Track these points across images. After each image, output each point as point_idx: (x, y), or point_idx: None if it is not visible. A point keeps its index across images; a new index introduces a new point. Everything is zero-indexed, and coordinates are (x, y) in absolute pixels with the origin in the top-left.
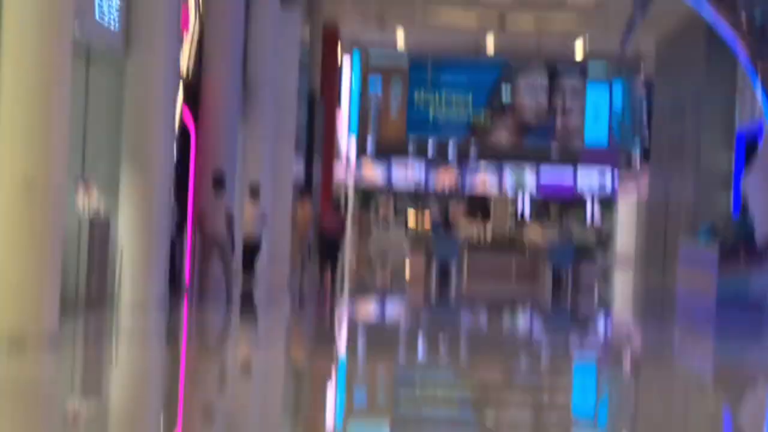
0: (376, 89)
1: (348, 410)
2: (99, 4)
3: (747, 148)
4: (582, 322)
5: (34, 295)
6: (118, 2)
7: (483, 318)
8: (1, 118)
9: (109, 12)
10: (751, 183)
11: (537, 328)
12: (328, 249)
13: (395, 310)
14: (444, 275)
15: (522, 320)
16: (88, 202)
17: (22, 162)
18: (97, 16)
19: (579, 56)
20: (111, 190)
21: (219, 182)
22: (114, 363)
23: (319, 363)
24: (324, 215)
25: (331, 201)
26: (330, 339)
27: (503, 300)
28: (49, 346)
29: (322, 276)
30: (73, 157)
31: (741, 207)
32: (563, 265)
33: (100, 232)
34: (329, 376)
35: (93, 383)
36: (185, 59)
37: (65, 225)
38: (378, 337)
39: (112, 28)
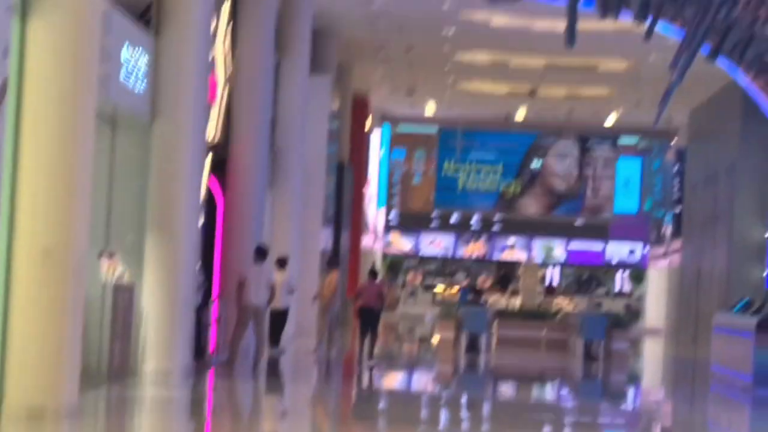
0: (405, 159)
1: None
2: (126, 66)
3: None
4: (615, 394)
5: (53, 367)
6: (146, 64)
7: (513, 390)
8: (22, 186)
9: (136, 74)
10: None
11: (569, 400)
12: (367, 320)
13: (424, 382)
14: (473, 346)
15: (553, 392)
16: (112, 271)
17: (42, 232)
18: (122, 78)
19: (610, 126)
20: (136, 258)
21: (262, 254)
22: None
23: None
24: (364, 286)
25: (371, 271)
26: (358, 411)
27: (534, 371)
28: (68, 419)
29: (361, 347)
30: (97, 224)
31: None
32: (596, 335)
33: (123, 301)
34: None
35: None
36: (213, 126)
37: (86, 295)
38: (406, 410)
39: (137, 91)
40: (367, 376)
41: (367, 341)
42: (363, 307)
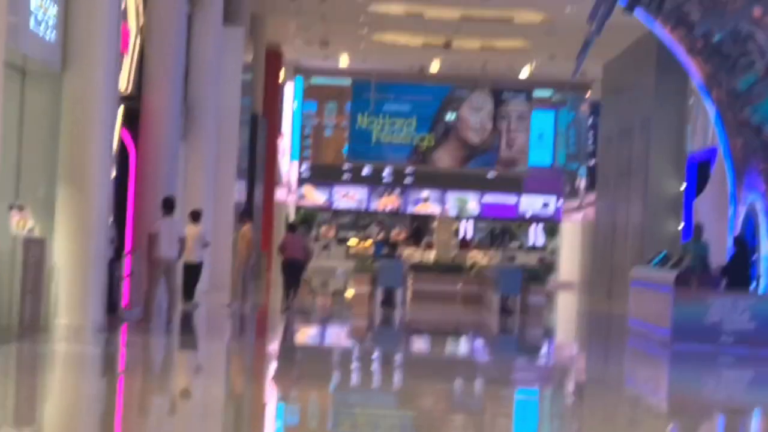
0: (317, 112)
1: None
2: (35, 15)
3: (698, 173)
4: (532, 348)
5: None
6: (56, 13)
7: (428, 344)
8: None
9: (46, 23)
10: (703, 208)
11: (485, 354)
12: (292, 272)
13: (339, 336)
14: (388, 300)
15: (469, 346)
16: (22, 224)
17: None
18: (32, 27)
19: (524, 81)
20: (47, 211)
21: (170, 206)
22: (48, 392)
23: (258, 389)
24: (286, 240)
25: (290, 225)
26: (272, 366)
27: (449, 325)
28: None
29: (286, 298)
30: (6, 176)
31: (694, 233)
32: (511, 290)
33: (34, 255)
34: (269, 402)
35: (24, 414)
36: (125, 77)
37: None
38: (319, 363)
39: (48, 40)
40: (287, 329)
41: (292, 291)
42: (288, 260)
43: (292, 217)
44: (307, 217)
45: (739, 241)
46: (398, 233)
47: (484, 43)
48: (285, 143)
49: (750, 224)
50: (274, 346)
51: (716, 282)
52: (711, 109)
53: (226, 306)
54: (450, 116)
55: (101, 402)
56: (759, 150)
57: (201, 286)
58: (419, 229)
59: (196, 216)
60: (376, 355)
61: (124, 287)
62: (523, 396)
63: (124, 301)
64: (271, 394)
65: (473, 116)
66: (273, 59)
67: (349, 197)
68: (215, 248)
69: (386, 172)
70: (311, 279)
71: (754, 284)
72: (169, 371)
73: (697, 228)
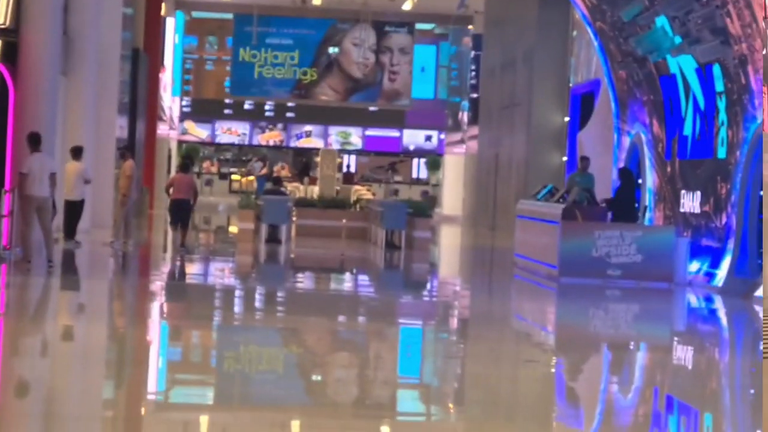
0: (198, 46)
1: (171, 373)
2: None
3: (581, 106)
4: (418, 283)
5: None
6: None
7: (313, 280)
8: None
9: None
10: (587, 141)
11: (369, 288)
12: (179, 211)
13: (223, 273)
14: (273, 236)
15: (353, 281)
16: None
17: None
18: None
19: (407, 14)
20: None
21: (36, 141)
22: None
23: (141, 328)
24: (176, 178)
25: (182, 166)
26: (154, 303)
27: (334, 261)
28: None
29: (175, 237)
30: None
31: (579, 166)
32: (397, 224)
33: None
34: (152, 341)
35: None
36: (1, 9)
37: None
38: (204, 300)
39: None
40: (172, 267)
41: (179, 232)
42: (176, 199)
43: (174, 152)
44: (190, 153)
45: (624, 174)
46: (281, 168)
47: None
48: (167, 78)
49: (634, 156)
50: (157, 285)
51: (602, 215)
52: (594, 41)
53: (108, 244)
54: (332, 50)
55: None
56: (643, 81)
57: (82, 224)
58: (307, 165)
59: (77, 152)
60: (260, 291)
61: (4, 227)
62: (409, 332)
63: (4, 241)
64: (154, 332)
65: (356, 50)
66: None
67: (231, 132)
68: (96, 185)
69: (269, 107)
70: (194, 215)
71: (640, 216)
72: (48, 312)
73: (583, 160)
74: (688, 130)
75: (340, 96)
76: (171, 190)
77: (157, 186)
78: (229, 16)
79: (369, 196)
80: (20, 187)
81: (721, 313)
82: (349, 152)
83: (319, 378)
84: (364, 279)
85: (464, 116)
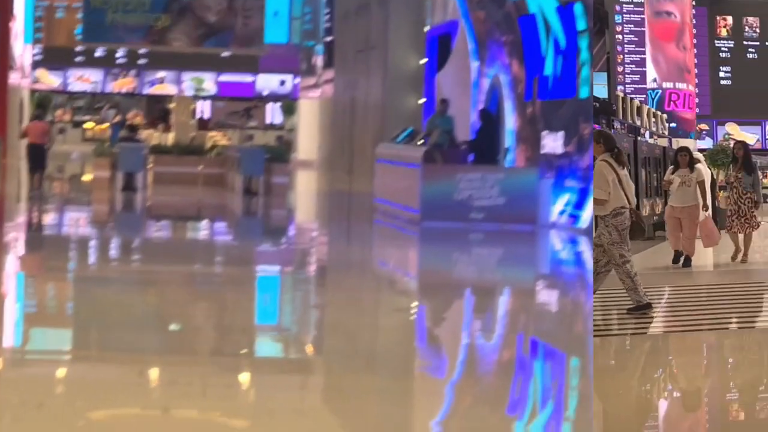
0: None
1: (27, 323)
2: None
3: (438, 47)
4: (278, 230)
5: None
6: None
7: (169, 227)
8: None
9: None
10: (446, 83)
11: (228, 236)
12: (36, 156)
13: (79, 222)
14: (129, 184)
15: (212, 229)
16: None
17: None
18: None
19: None
20: None
21: None
22: None
23: None
24: (30, 126)
25: (36, 115)
26: (6, 253)
27: (192, 209)
28: None
29: (31, 183)
30: None
31: (439, 108)
32: (255, 171)
33: None
34: (6, 293)
35: None
36: None
37: None
38: (58, 250)
39: None
40: (26, 216)
41: (36, 176)
42: (32, 144)
43: (26, 101)
44: (42, 101)
45: (484, 115)
46: (134, 115)
47: None
48: (17, 26)
49: (494, 97)
50: (10, 234)
51: (464, 157)
52: None
53: None
54: None
55: None
56: (502, 22)
57: None
58: (166, 111)
59: None
60: (116, 241)
61: None
62: (267, 280)
63: None
64: (7, 284)
65: None
66: None
67: (83, 80)
68: None
69: (121, 54)
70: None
71: (500, 158)
72: None
73: (442, 103)
74: (549, 70)
75: (193, 42)
76: (27, 138)
77: (8, 135)
78: None
79: (225, 141)
80: None
81: (586, 256)
82: (204, 98)
83: (177, 327)
84: (221, 226)
85: (318, 60)
